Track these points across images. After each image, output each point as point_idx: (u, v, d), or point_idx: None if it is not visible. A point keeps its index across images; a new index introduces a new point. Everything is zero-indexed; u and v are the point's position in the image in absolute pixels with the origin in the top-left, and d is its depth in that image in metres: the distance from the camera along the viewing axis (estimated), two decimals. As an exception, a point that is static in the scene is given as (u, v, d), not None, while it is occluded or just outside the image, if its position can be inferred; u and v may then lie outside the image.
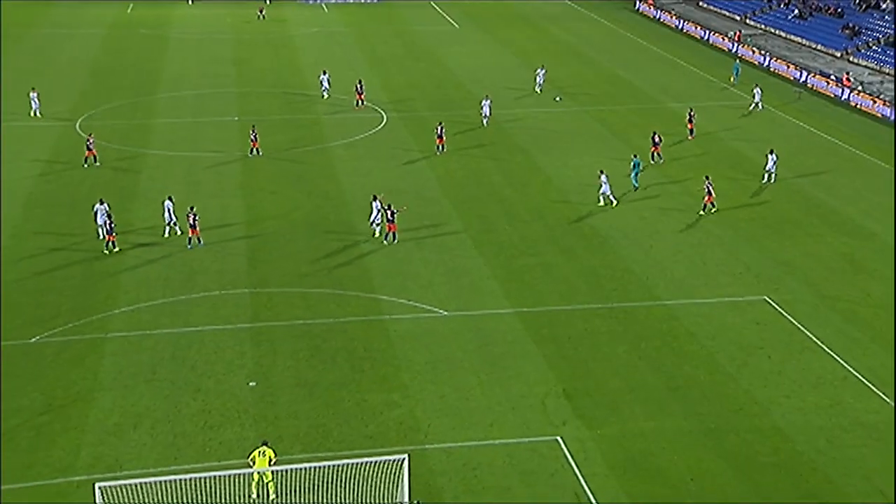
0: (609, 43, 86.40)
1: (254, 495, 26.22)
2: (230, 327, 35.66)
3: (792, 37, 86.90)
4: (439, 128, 54.84)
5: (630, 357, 34.14)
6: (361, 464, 25.61)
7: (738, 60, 75.08)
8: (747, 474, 28.17)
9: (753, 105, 64.31)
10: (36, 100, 60.06)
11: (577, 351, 34.49)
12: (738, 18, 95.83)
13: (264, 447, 26.61)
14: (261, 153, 53.77)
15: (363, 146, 56.52)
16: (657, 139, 53.02)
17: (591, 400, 31.51)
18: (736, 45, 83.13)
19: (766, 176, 50.41)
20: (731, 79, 70.55)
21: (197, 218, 41.86)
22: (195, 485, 25.38)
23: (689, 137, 57.52)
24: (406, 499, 24.67)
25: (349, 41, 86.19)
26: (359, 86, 63.32)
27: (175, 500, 25.11)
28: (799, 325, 36.47)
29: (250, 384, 32.14)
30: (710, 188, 45.73)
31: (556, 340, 35.15)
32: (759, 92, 64.74)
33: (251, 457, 26.53)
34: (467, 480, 27.54)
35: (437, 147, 54.36)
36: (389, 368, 33.19)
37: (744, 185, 50.66)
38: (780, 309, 37.71)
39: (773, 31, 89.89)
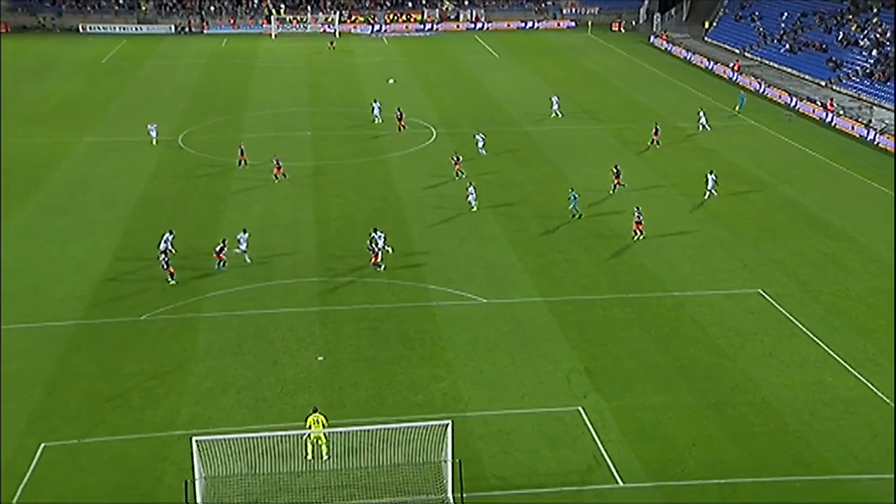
0: (627, 71, 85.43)
1: (309, 456, 26.20)
2: (302, 310, 35.88)
3: (784, 68, 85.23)
4: (455, 157, 52.32)
5: (642, 340, 33.80)
6: (412, 428, 25.61)
7: (742, 91, 73.41)
8: (742, 442, 27.76)
9: (701, 127, 62.75)
10: (154, 132, 58.89)
11: (597, 334, 34.23)
12: (737, 52, 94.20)
13: (317, 414, 26.50)
14: (287, 176, 51.00)
15: (416, 157, 56.47)
16: (616, 170, 49.46)
17: (609, 376, 31.27)
18: (736, 74, 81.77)
19: (707, 194, 48.72)
20: (736, 108, 69.13)
21: (224, 249, 39.24)
22: (273, 441, 25.66)
23: (657, 146, 58.04)
24: (449, 458, 24.61)
25: (405, 69, 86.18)
26: (399, 112, 62.91)
27: (257, 453, 25.34)
28: (787, 315, 35.81)
29: (319, 359, 32.30)
30: (640, 217, 42.42)
31: (578, 325, 34.92)
32: (703, 114, 63.33)
33: (307, 423, 26.47)
34: (502, 443, 27.48)
35: (456, 173, 51.30)
36: (436, 348, 33.16)
37: (743, 195, 49.88)
38: (771, 300, 37.06)
39: (767, 62, 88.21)
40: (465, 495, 23.79)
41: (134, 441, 27.42)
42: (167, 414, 28.88)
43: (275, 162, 51.66)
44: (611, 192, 48.71)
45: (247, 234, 40.38)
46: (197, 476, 23.81)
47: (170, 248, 39.36)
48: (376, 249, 39.21)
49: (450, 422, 24.92)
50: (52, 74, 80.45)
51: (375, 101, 65.16)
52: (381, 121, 63.85)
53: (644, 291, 37.86)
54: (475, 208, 46.44)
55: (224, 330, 34.39)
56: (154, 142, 58.25)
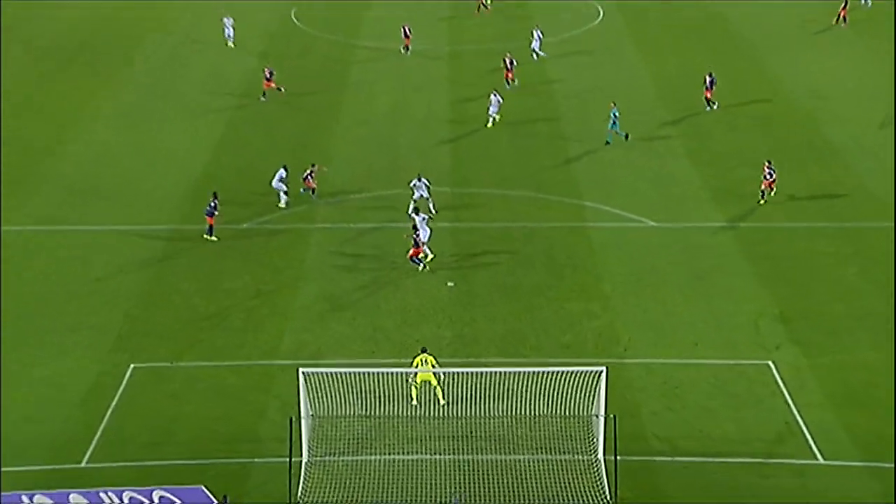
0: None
1: (414, 401, 26.33)
2: (431, 225, 35.72)
3: None
4: (507, 59, 48.90)
5: (858, 281, 32.19)
6: (557, 373, 25.22)
7: None
8: (983, 418, 25.94)
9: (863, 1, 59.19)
10: (230, 28, 55.09)
11: (797, 271, 32.79)
12: None
13: (425, 354, 26.50)
14: (283, 91, 47.46)
15: (577, 43, 54.81)
16: (709, 81, 45.54)
17: (810, 324, 29.96)
18: None
19: None
20: None
21: (313, 175, 37.69)
22: (391, 379, 25.89)
23: (843, 25, 55.80)
24: (602, 412, 24.19)
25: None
26: None
27: (371, 391, 25.73)
28: None
29: (448, 284, 32.32)
30: (772, 173, 36.81)
31: (773, 258, 33.53)
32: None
33: (414, 363, 26.49)
34: (667, 398, 26.86)
35: (507, 81, 48.18)
36: (590, 277, 32.62)
37: None
38: None
39: None
40: (619, 458, 23.42)
41: (233, 368, 28.28)
42: (271, 339, 29.60)
43: (266, 73, 47.97)
44: (708, 107, 45.36)
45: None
46: (303, 414, 24.39)
47: (283, 186, 37.13)
48: (417, 240, 33.03)
49: (604, 368, 24.42)
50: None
51: None
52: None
53: (864, 219, 35.96)
54: (490, 123, 44.03)
55: (339, 244, 34.75)
56: (229, 43, 54.96)
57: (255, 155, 41.59)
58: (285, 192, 37.06)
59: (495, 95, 44.14)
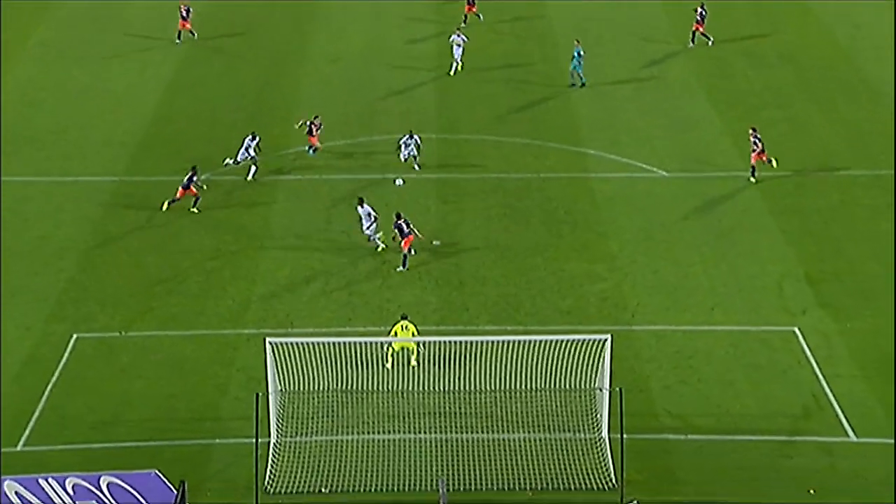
0: None
1: (388, 364, 26.61)
2: (414, 177, 35.86)
3: None
4: None
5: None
6: (556, 342, 25.37)
7: None
8: None
9: None
10: None
11: (828, 226, 33.11)
12: None
13: (405, 321, 26.76)
14: (195, 35, 46.64)
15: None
16: (700, 14, 45.55)
17: (841, 286, 30.25)
18: None
19: None
20: None
21: (318, 128, 37.19)
22: (370, 350, 26.01)
23: None
24: (607, 385, 24.40)
25: None
26: None
27: (346, 363, 25.83)
28: None
29: (434, 243, 32.35)
30: (758, 143, 35.07)
31: (800, 212, 33.83)
32: None
33: (393, 331, 26.76)
34: (680, 370, 27.05)
35: (464, 16, 47.63)
36: (593, 235, 32.81)
37: None
38: None
39: None
40: (626, 436, 23.58)
41: (191, 338, 28.33)
42: (234, 305, 29.63)
43: (181, 11, 46.59)
44: (690, 43, 45.61)
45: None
46: (271, 389, 24.49)
47: (254, 154, 35.90)
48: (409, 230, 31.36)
49: (609, 336, 24.58)
50: None
51: None
52: None
53: (903, 166, 36.23)
54: (454, 70, 43.52)
55: (310, 198, 34.80)
56: None
57: (214, 97, 41.47)
58: (255, 163, 35.92)
59: (458, 36, 43.51)
